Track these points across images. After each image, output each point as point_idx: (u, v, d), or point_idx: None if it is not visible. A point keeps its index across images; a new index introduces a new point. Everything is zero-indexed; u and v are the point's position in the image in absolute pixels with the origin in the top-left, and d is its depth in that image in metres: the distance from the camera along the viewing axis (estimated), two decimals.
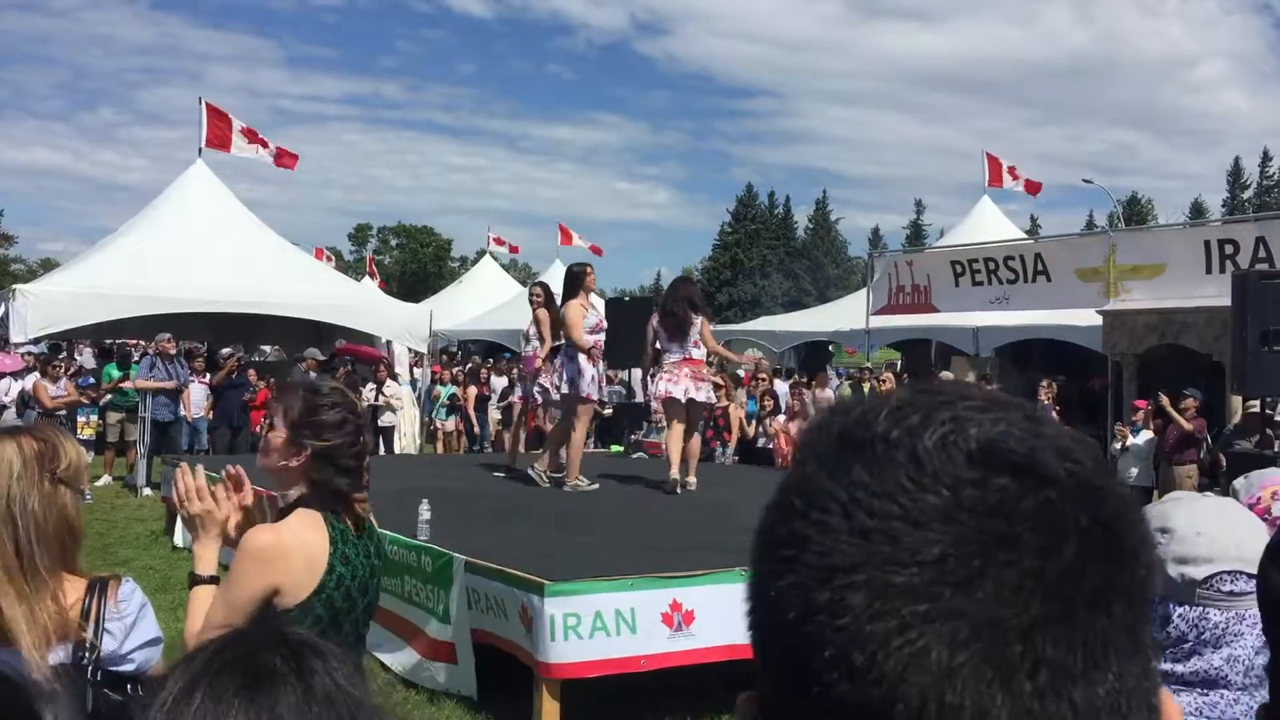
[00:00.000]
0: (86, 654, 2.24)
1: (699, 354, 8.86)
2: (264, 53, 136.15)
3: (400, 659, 6.48)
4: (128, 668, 2.32)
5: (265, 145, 18.06)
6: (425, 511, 6.53)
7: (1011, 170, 24.56)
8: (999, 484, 0.55)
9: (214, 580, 2.75)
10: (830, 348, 27.73)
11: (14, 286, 15.39)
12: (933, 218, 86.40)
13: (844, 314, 25.19)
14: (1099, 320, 16.50)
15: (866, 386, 15.95)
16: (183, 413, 14.39)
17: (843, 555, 0.54)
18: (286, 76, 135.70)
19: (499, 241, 37.21)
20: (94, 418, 15.34)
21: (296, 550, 2.72)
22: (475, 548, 6.13)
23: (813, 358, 26.68)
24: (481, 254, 39.45)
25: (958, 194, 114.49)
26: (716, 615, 5.48)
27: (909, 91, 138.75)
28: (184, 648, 2.55)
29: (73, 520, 2.30)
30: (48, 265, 57.63)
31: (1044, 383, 13.68)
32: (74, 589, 2.28)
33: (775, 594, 0.57)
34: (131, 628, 2.34)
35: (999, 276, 17.75)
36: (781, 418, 13.37)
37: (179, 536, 10.05)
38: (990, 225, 23.72)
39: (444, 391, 18.23)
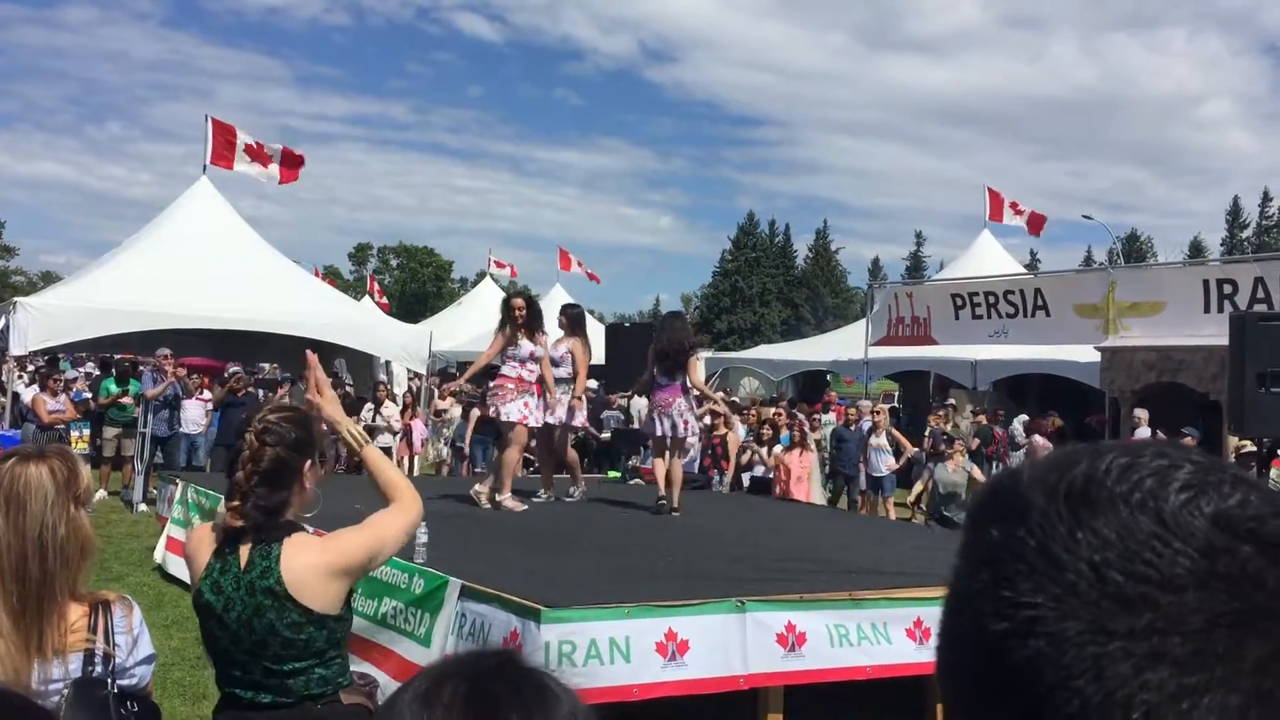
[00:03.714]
0: (100, 666, 2.26)
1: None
2: (273, 72, 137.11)
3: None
4: (129, 682, 2.33)
5: (269, 161, 18.04)
6: (422, 534, 6.49)
7: (1014, 205, 24.58)
8: (1245, 552, 0.55)
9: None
10: (828, 377, 27.74)
11: (14, 299, 15.40)
12: (933, 250, 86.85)
13: (842, 344, 25.23)
14: (1097, 356, 16.53)
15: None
16: (180, 428, 14.39)
17: (1102, 619, 0.54)
18: (295, 95, 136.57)
19: (499, 264, 37.35)
20: (86, 431, 15.32)
21: (188, 561, 2.83)
22: (471, 571, 6.11)
23: (810, 387, 26.70)
24: (482, 275, 39.58)
25: (958, 227, 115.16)
26: (710, 646, 5.46)
27: (914, 124, 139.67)
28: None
29: (88, 539, 2.32)
30: (49, 278, 57.81)
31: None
32: (75, 608, 2.30)
33: (1022, 654, 0.56)
34: (135, 643, 2.36)
35: (998, 310, 17.79)
36: (779, 448, 13.35)
37: (159, 553, 10.05)
38: (990, 259, 23.79)
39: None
